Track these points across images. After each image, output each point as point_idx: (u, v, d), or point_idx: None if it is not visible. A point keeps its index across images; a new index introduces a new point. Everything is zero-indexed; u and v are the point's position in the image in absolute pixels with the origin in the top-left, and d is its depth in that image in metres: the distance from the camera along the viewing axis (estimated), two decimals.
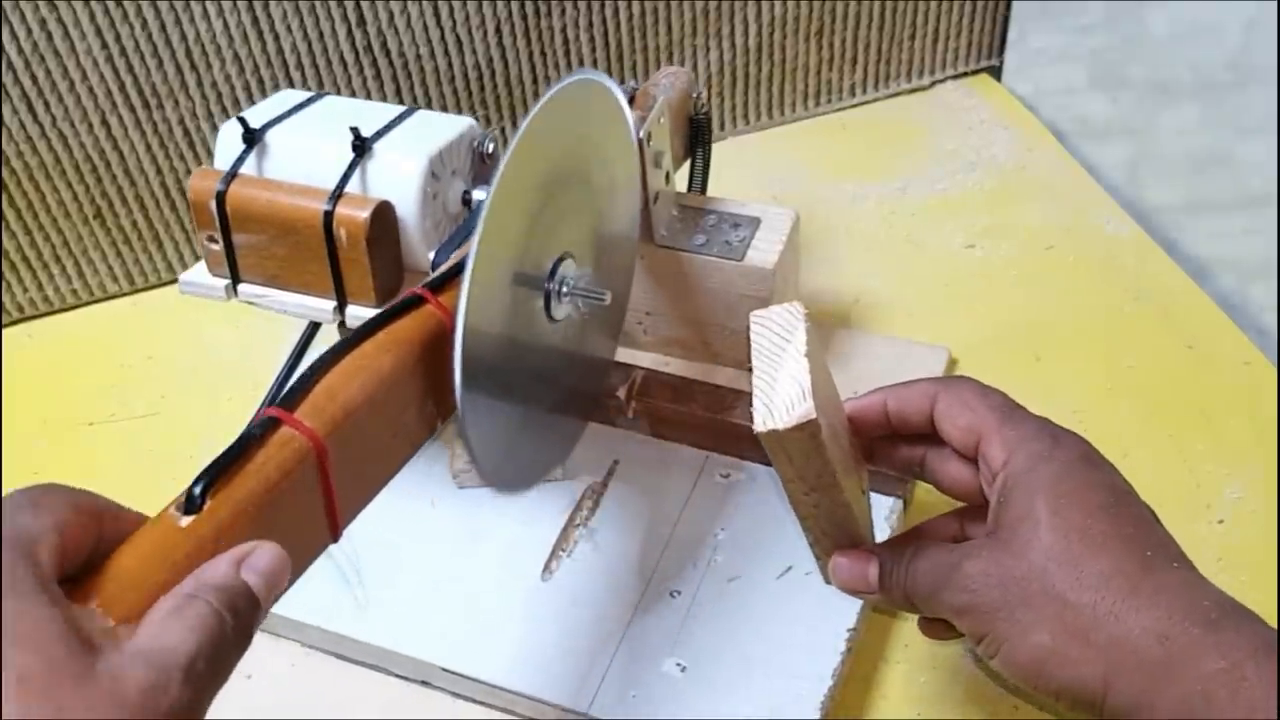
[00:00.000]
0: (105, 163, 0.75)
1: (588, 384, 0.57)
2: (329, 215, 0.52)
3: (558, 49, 0.81)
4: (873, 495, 0.56)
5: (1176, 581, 0.36)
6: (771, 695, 0.51)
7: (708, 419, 0.61)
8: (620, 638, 0.54)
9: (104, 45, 0.71)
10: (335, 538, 0.39)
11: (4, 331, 0.78)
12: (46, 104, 0.71)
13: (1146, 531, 0.38)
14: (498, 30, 0.78)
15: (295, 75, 0.76)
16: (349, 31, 0.75)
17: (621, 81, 0.51)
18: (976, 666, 0.53)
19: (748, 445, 0.39)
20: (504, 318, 0.45)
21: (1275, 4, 0.70)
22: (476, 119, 0.61)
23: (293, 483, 0.35)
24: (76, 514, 0.31)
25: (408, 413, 0.42)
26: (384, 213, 0.52)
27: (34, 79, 0.70)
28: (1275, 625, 0.35)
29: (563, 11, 0.79)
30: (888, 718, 0.52)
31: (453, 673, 0.53)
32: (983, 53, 0.92)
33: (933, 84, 0.93)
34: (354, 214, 0.51)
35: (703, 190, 0.66)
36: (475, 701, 0.54)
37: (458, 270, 0.43)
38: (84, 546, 0.31)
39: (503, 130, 0.83)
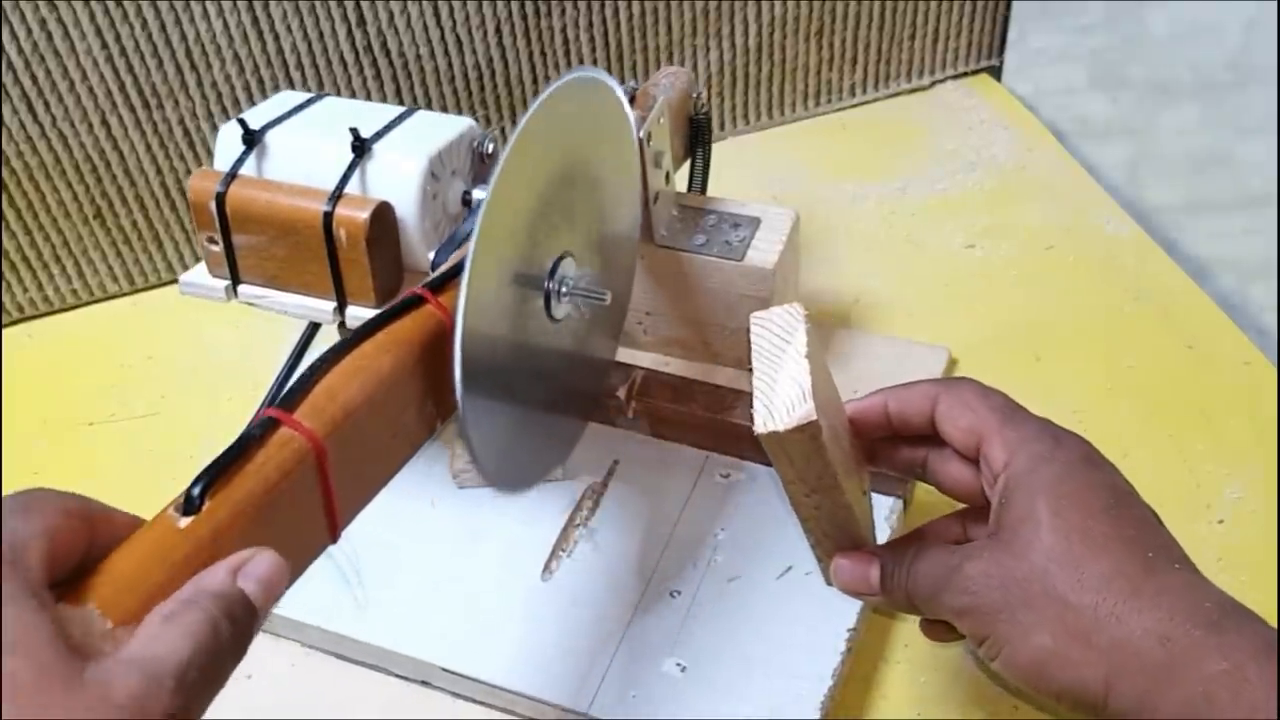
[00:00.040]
0: (105, 163, 0.75)
1: (588, 384, 0.57)
2: (329, 216, 0.52)
3: (558, 49, 0.81)
4: (873, 495, 0.56)
5: (1178, 583, 0.36)
6: (771, 695, 0.51)
7: (708, 419, 0.61)
8: (620, 638, 0.54)
9: (104, 45, 0.71)
10: (335, 538, 0.39)
11: (4, 331, 0.78)
12: (46, 104, 0.71)
13: (1148, 533, 0.38)
14: (498, 30, 0.78)
15: (295, 75, 0.76)
16: (349, 31, 0.75)
17: (621, 81, 0.51)
18: (978, 668, 0.53)
19: (748, 445, 0.39)
20: (504, 318, 0.44)
21: (1275, 4, 0.70)
22: (476, 119, 0.61)
23: (292, 483, 0.35)
24: (67, 518, 0.31)
25: (407, 413, 0.42)
26: (384, 213, 0.52)
27: (34, 79, 0.70)
28: (1276, 626, 0.35)
29: (563, 11, 0.79)
30: (888, 718, 0.52)
31: (453, 673, 0.53)
32: (983, 53, 0.92)
33: (933, 84, 0.93)
34: (354, 214, 0.51)
35: (703, 190, 0.66)
36: (475, 701, 0.54)
37: (457, 270, 0.43)
38: (75, 551, 0.31)
39: (503, 130, 0.83)
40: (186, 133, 0.76)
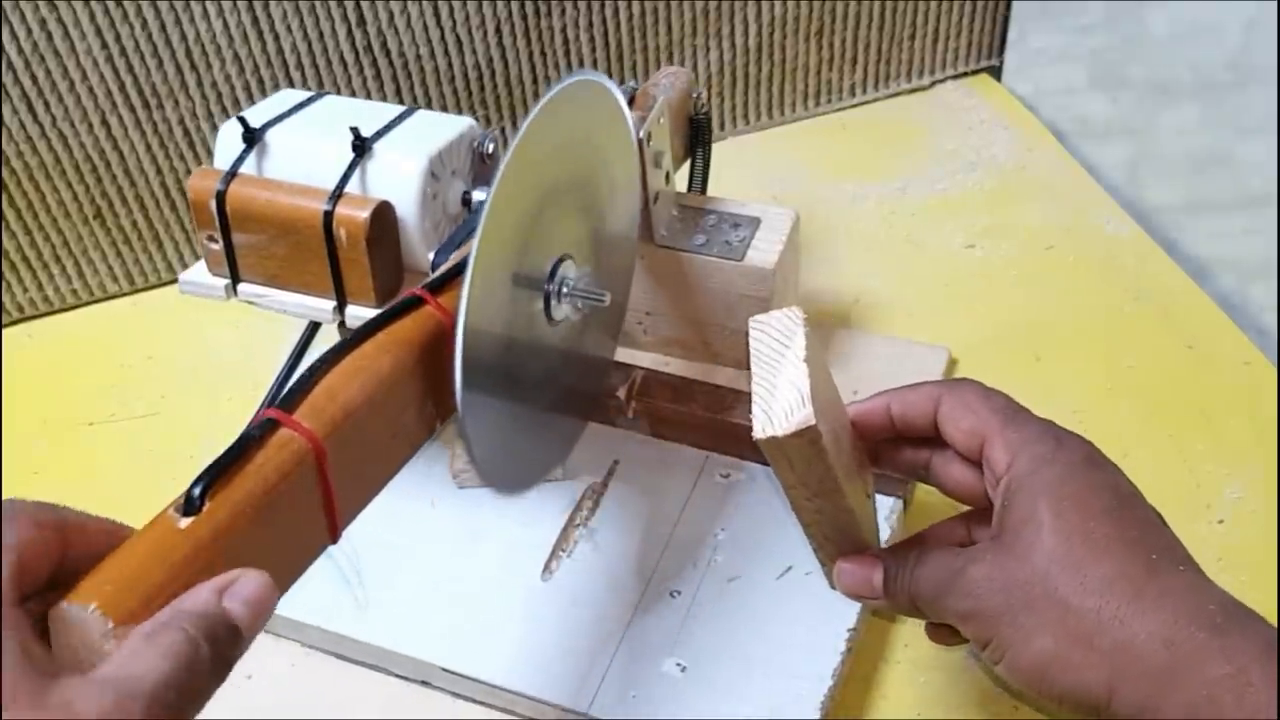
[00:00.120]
0: (105, 163, 0.75)
1: (588, 384, 0.57)
2: (329, 215, 0.52)
3: (558, 49, 0.81)
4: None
5: (1182, 585, 0.36)
6: (771, 695, 0.51)
7: (708, 419, 0.61)
8: (620, 638, 0.54)
9: (104, 45, 0.71)
10: (334, 539, 0.38)
11: (4, 331, 0.78)
12: (46, 104, 0.71)
13: (1151, 534, 0.38)
14: (498, 30, 0.78)
15: (295, 75, 0.76)
16: (349, 31, 0.75)
17: (621, 81, 0.51)
18: (982, 671, 0.53)
19: (748, 445, 0.39)
20: (504, 318, 0.44)
21: (1275, 4, 0.70)
22: (476, 119, 0.61)
23: (291, 484, 0.35)
24: (38, 530, 0.30)
25: (407, 413, 0.42)
26: (384, 213, 0.52)
27: (34, 79, 0.70)
28: (1277, 627, 0.35)
29: (563, 11, 0.79)
30: (888, 718, 0.52)
31: (453, 673, 0.53)
32: (983, 53, 0.92)
33: (933, 84, 0.93)
34: (354, 214, 0.51)
35: (703, 190, 0.66)
36: (475, 701, 0.54)
37: (457, 271, 0.43)
38: (47, 563, 0.31)
39: (503, 130, 0.83)
40: (186, 133, 0.76)
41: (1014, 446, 0.40)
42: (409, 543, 0.59)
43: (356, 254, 0.52)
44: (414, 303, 0.42)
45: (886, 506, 0.58)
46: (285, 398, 0.37)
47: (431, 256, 0.54)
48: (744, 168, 0.86)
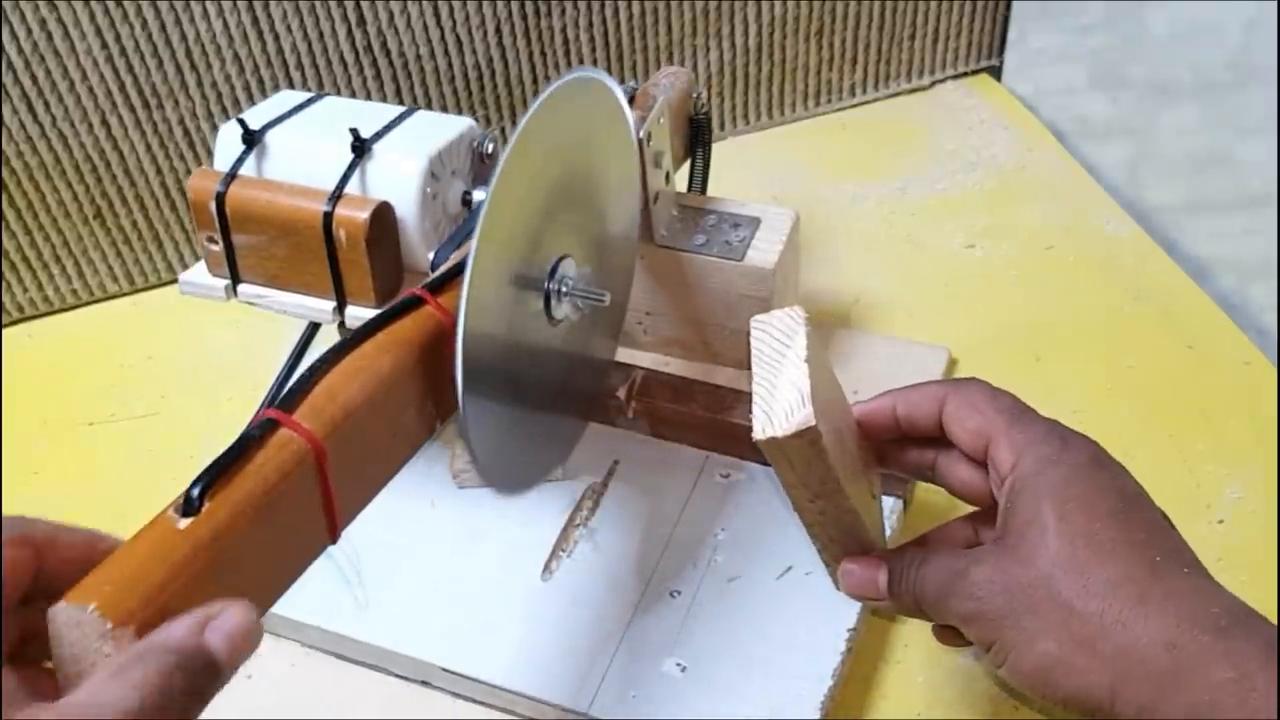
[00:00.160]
0: (105, 163, 0.75)
1: (588, 384, 0.57)
2: (329, 216, 0.52)
3: (558, 49, 0.81)
4: None
5: (1186, 588, 0.36)
6: (771, 695, 0.51)
7: (708, 419, 0.61)
8: (620, 638, 0.54)
9: (104, 45, 0.71)
10: (334, 539, 0.38)
11: (4, 331, 0.78)
12: (46, 104, 0.71)
13: (1157, 536, 0.38)
14: (498, 30, 0.78)
15: (295, 75, 0.76)
16: (349, 31, 0.75)
17: (621, 81, 0.51)
18: (986, 673, 0.53)
19: (748, 445, 0.39)
20: (504, 318, 0.44)
21: (1275, 4, 0.70)
22: (476, 119, 0.61)
23: (291, 484, 0.35)
24: (11, 548, 0.30)
25: (407, 413, 0.41)
26: (383, 213, 0.52)
27: (34, 79, 0.70)
28: (1278, 627, 0.35)
29: (563, 11, 0.79)
30: (888, 718, 0.52)
31: (453, 673, 0.53)
32: (983, 53, 0.92)
33: (933, 84, 0.93)
34: (353, 215, 0.51)
35: (703, 190, 0.66)
36: (475, 701, 0.54)
37: (457, 271, 0.43)
38: (22, 580, 0.30)
39: (503, 130, 0.83)
40: (186, 133, 0.76)
41: (1019, 447, 0.40)
42: (409, 543, 0.59)
43: (356, 254, 0.52)
44: (414, 303, 0.42)
45: (887, 506, 0.58)
46: (285, 398, 0.37)
47: (431, 256, 0.54)
48: (744, 168, 0.86)
